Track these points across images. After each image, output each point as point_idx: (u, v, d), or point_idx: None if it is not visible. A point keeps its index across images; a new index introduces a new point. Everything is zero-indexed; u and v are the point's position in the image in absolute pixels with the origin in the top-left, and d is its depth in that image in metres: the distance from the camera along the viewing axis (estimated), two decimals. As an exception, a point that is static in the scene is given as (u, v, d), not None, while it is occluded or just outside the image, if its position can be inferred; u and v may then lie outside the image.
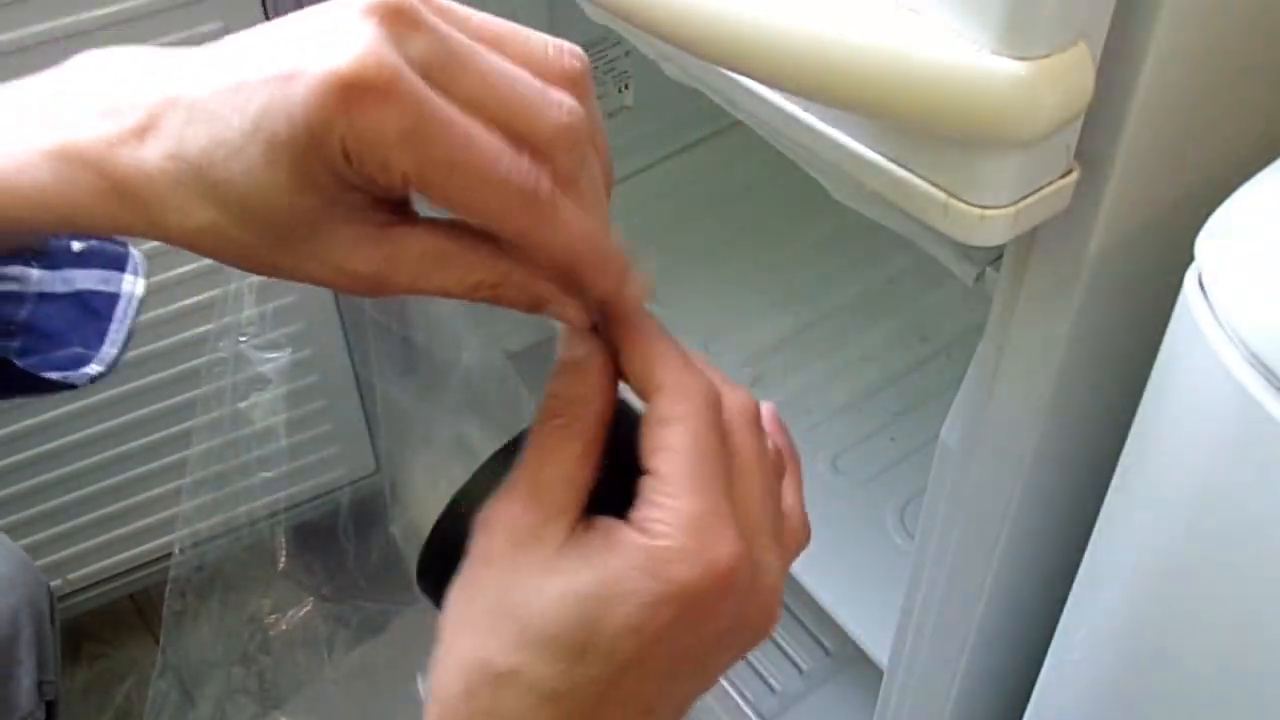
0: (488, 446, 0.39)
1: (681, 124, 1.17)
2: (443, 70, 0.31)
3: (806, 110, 0.44)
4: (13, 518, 1.07)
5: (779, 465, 0.39)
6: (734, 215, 1.12)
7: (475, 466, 0.42)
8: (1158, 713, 0.49)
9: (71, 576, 1.14)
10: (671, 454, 0.34)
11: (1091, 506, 0.49)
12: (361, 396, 1.21)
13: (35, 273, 0.45)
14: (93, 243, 0.47)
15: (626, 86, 1.13)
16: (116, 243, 0.48)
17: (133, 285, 0.49)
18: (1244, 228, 0.40)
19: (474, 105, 0.31)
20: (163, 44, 0.44)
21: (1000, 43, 0.36)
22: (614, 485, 0.36)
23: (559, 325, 0.38)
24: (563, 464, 0.35)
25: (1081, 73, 0.37)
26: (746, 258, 1.09)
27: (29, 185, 0.32)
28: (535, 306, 0.37)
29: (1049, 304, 0.47)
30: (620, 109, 1.14)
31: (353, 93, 0.29)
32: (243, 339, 1.00)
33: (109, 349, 0.47)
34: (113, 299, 0.48)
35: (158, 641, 1.12)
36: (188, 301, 1.03)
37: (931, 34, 0.37)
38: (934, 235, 0.44)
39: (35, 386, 0.45)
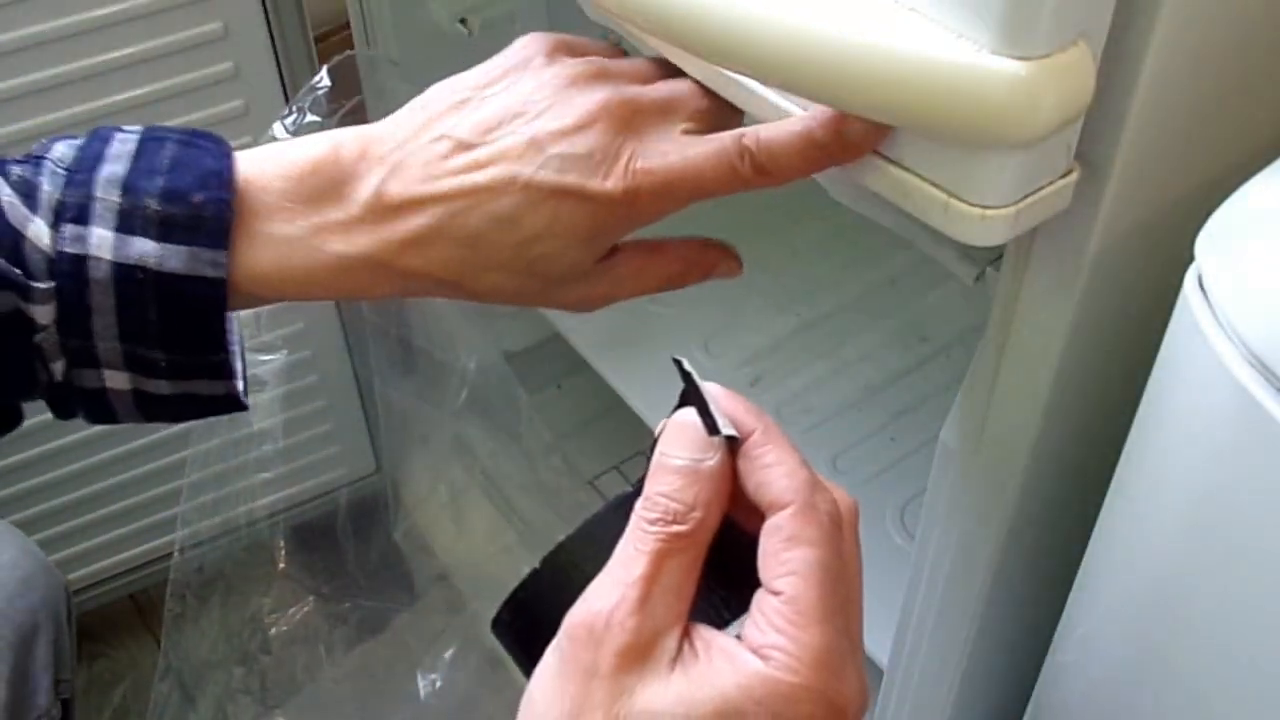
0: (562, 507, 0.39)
1: (681, 124, 1.17)
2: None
3: (806, 110, 0.44)
4: (13, 518, 1.07)
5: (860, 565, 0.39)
6: (734, 215, 1.12)
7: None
8: (1157, 713, 0.49)
9: (72, 576, 1.14)
10: (800, 580, 0.34)
11: (1091, 506, 0.49)
12: (362, 397, 1.21)
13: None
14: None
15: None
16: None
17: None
18: (1244, 228, 0.40)
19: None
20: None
21: (1000, 43, 0.36)
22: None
23: (685, 424, 0.36)
24: (676, 573, 0.34)
25: (1081, 73, 0.37)
26: (746, 258, 1.09)
27: (345, 285, 0.43)
28: (709, 274, 0.51)
29: (1049, 304, 0.47)
30: (620, 109, 1.14)
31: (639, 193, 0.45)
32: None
33: (244, 374, 0.49)
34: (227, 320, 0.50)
35: (158, 642, 1.12)
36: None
37: (931, 34, 0.37)
38: (934, 235, 0.44)
39: (221, 411, 0.47)
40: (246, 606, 1.14)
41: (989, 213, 0.40)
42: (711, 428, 0.36)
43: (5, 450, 1.05)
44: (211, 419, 1.01)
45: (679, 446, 0.36)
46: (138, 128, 0.44)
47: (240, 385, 0.47)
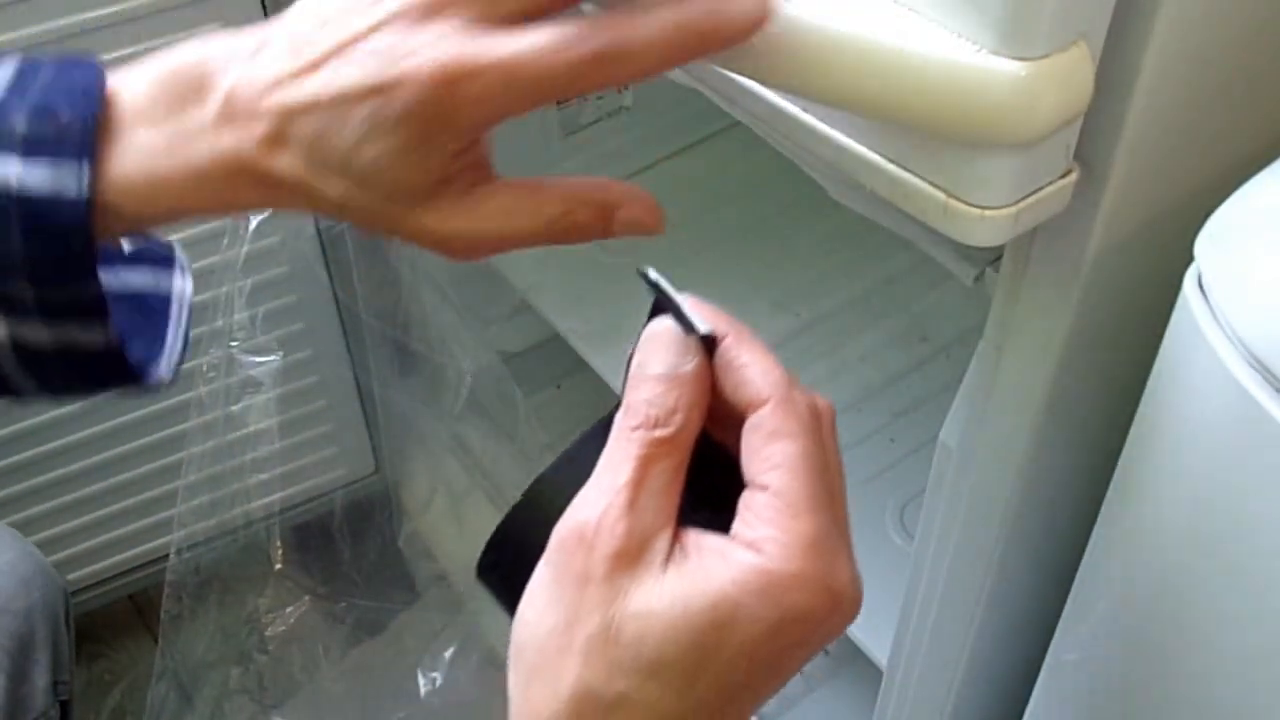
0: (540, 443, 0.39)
1: (681, 124, 1.17)
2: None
3: (806, 110, 0.44)
4: (12, 519, 1.07)
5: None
6: (734, 215, 1.12)
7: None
8: (1157, 713, 0.49)
9: (70, 577, 1.14)
10: (785, 472, 0.34)
11: (1091, 506, 0.49)
12: (361, 398, 1.21)
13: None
14: (141, 244, 0.48)
15: (626, 86, 1.12)
16: (161, 242, 0.49)
17: (182, 284, 0.49)
18: (1244, 229, 0.40)
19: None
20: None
21: (1000, 43, 0.36)
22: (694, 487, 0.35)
23: (659, 332, 0.37)
24: (662, 477, 0.34)
25: (1081, 73, 0.37)
26: (746, 258, 1.09)
27: (210, 195, 0.40)
28: (608, 220, 0.41)
29: (1049, 304, 0.47)
30: (620, 109, 1.14)
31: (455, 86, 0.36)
32: (233, 343, 1.00)
33: (171, 355, 0.47)
34: (165, 300, 0.48)
35: (156, 642, 1.12)
36: (187, 302, 1.03)
37: (931, 34, 0.37)
38: (934, 235, 0.44)
39: (114, 379, 0.44)
40: (243, 607, 1.14)
41: (989, 213, 0.40)
42: (688, 328, 0.37)
43: (4, 451, 1.05)
44: (206, 421, 1.01)
45: (656, 354, 0.36)
46: (16, 55, 0.42)
47: (129, 348, 0.43)
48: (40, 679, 0.76)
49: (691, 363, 0.36)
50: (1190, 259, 0.40)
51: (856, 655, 0.88)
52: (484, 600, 1.27)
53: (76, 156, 0.40)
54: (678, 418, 0.35)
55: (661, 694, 0.32)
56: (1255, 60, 0.45)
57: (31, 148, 0.40)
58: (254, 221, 0.97)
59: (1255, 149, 0.45)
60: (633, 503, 0.34)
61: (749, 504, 0.34)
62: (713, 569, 0.33)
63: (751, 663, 0.33)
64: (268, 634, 1.16)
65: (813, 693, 1.05)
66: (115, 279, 0.46)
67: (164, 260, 0.49)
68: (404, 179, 0.39)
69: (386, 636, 1.20)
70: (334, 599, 1.20)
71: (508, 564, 0.37)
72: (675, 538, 0.34)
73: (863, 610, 0.38)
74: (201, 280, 1.00)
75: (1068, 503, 0.56)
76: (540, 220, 0.40)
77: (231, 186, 0.40)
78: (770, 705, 1.04)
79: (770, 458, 0.34)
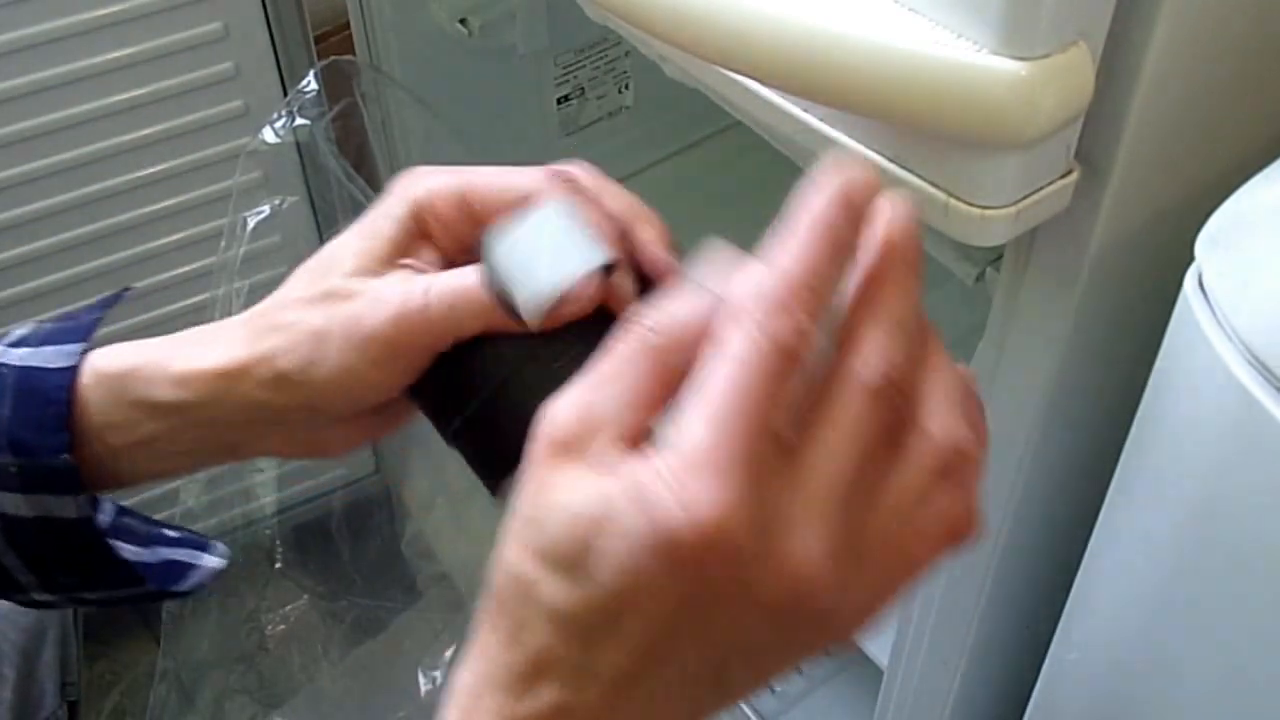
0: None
1: (681, 124, 1.17)
2: None
3: (806, 110, 0.44)
4: None
5: (947, 459, 0.33)
6: (734, 215, 1.12)
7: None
8: (1158, 713, 0.49)
9: (71, 577, 1.14)
10: (703, 391, 0.30)
11: (1091, 506, 0.49)
12: (362, 397, 1.21)
13: (130, 548, 0.50)
14: (185, 533, 0.51)
15: (626, 86, 1.13)
16: (202, 537, 0.53)
17: (214, 561, 0.52)
18: (1244, 228, 0.40)
19: None
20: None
21: (1000, 43, 0.36)
22: None
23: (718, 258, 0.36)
24: (631, 377, 0.32)
25: (1081, 73, 0.37)
26: (746, 258, 1.09)
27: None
28: None
29: (1049, 304, 0.47)
30: (620, 109, 1.14)
31: None
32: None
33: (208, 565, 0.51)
34: (190, 567, 0.51)
35: (157, 642, 1.12)
36: (186, 303, 1.03)
37: (931, 34, 0.37)
38: (934, 235, 0.44)
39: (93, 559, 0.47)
40: (244, 606, 1.14)
41: (989, 213, 0.40)
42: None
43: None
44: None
45: (707, 272, 0.35)
46: None
47: (108, 521, 0.48)
48: (49, 680, 0.76)
49: (704, 291, 0.34)
50: (1190, 259, 0.40)
51: (857, 655, 0.88)
52: (485, 600, 1.26)
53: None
54: (666, 324, 0.33)
55: (552, 582, 0.31)
56: (1255, 60, 0.45)
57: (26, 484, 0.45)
58: (253, 222, 0.97)
59: (1255, 149, 0.45)
60: (588, 396, 0.32)
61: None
62: (629, 466, 0.31)
63: (631, 581, 0.30)
64: (268, 633, 1.16)
65: (813, 693, 1.05)
66: (151, 554, 0.50)
67: (201, 545, 0.52)
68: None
69: (386, 636, 1.20)
70: (334, 598, 1.20)
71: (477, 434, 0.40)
72: (631, 437, 0.32)
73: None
74: (202, 280, 1.00)
75: (1068, 503, 0.56)
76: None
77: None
78: (770, 705, 1.04)
79: (707, 369, 0.31)
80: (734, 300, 0.32)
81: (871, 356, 0.32)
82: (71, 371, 0.44)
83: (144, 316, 1.06)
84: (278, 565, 1.14)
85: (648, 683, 0.32)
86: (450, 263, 0.43)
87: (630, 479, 0.30)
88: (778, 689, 1.04)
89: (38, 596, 0.47)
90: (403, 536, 1.22)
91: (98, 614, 1.21)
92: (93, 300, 0.49)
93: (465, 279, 0.40)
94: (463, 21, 0.94)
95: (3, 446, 0.43)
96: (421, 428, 0.45)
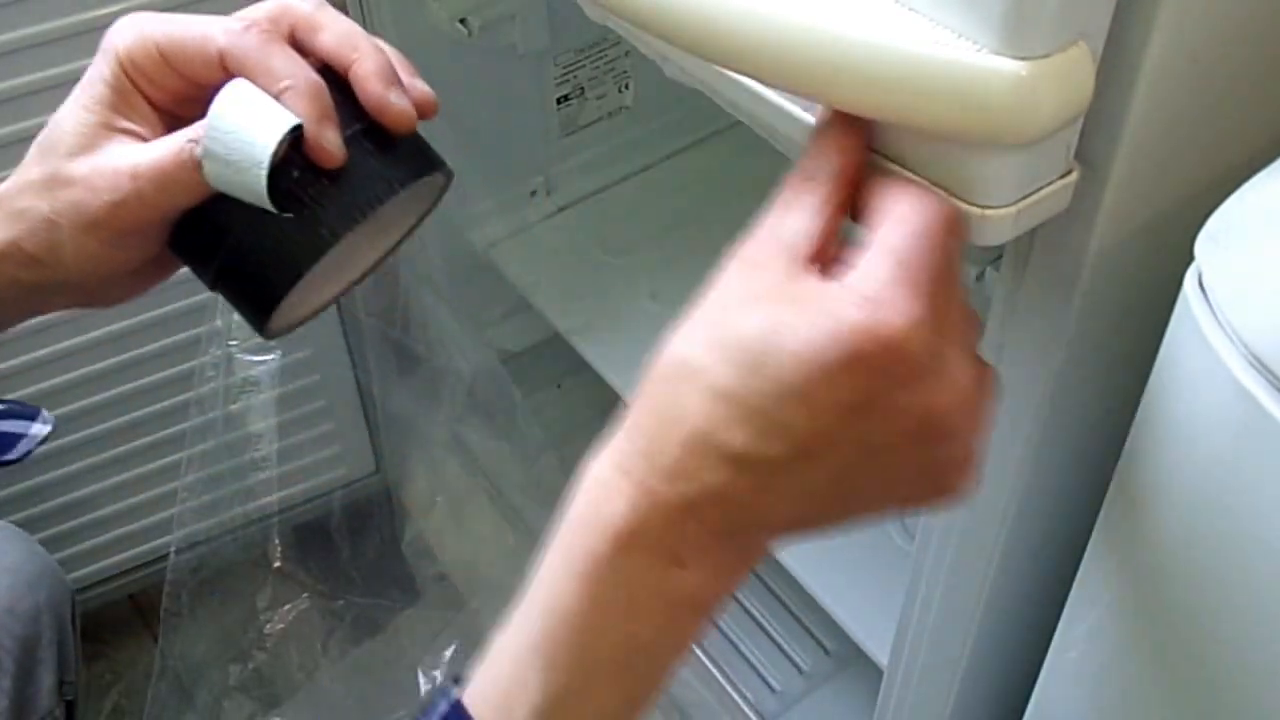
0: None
1: (681, 124, 1.17)
2: None
3: (806, 110, 0.44)
4: (13, 518, 1.07)
5: (977, 321, 0.40)
6: (734, 215, 1.12)
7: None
8: (1158, 712, 0.49)
9: (71, 576, 1.14)
10: (895, 222, 0.36)
11: (1092, 506, 0.49)
12: (361, 398, 1.21)
13: None
14: (11, 404, 0.53)
15: (626, 86, 1.13)
16: (29, 407, 0.54)
17: (40, 428, 0.53)
18: (1244, 228, 0.40)
19: None
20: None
21: (1000, 43, 0.36)
22: None
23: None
24: (801, 211, 0.38)
25: (1081, 73, 0.37)
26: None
27: None
28: None
29: (1049, 304, 0.47)
30: (620, 109, 1.14)
31: None
32: (232, 343, 1.00)
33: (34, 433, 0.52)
34: (19, 436, 0.53)
35: (156, 641, 1.12)
36: (183, 303, 1.03)
37: (931, 34, 0.37)
38: (934, 235, 0.44)
39: None
40: (242, 606, 1.14)
41: (989, 213, 0.40)
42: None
43: (5, 450, 1.05)
44: (206, 421, 1.01)
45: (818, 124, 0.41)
46: None
47: None
48: (46, 679, 0.76)
49: (840, 124, 0.40)
50: (1190, 259, 0.40)
51: (857, 655, 0.88)
52: (484, 601, 1.26)
53: None
54: (821, 164, 0.39)
55: (725, 369, 0.35)
56: (1255, 60, 0.45)
57: None
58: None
59: (1255, 149, 0.45)
60: (770, 228, 0.38)
61: (861, 251, 0.37)
62: (812, 289, 0.36)
63: (808, 372, 0.34)
64: (267, 632, 1.16)
65: (813, 693, 1.05)
66: None
67: (29, 415, 0.54)
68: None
69: (386, 636, 1.20)
70: (333, 598, 1.20)
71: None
72: (805, 266, 0.37)
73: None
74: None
75: (1068, 502, 0.56)
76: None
77: None
78: (771, 705, 1.04)
79: (888, 213, 0.37)
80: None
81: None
82: None
83: (145, 315, 1.06)
84: (277, 564, 1.14)
85: (796, 477, 0.36)
86: (166, 115, 0.45)
87: (820, 293, 0.35)
88: (778, 689, 1.05)
89: None
90: (403, 537, 1.22)
91: (97, 613, 1.21)
92: None
93: (166, 154, 0.42)
94: (463, 21, 0.94)
95: None
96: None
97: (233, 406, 1.03)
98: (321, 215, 0.42)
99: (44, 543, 1.06)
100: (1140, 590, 0.47)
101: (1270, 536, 0.39)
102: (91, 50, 0.40)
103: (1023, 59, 0.36)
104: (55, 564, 0.82)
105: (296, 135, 0.41)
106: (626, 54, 1.09)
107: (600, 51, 1.08)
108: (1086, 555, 0.50)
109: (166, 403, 1.09)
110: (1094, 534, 0.50)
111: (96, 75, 0.44)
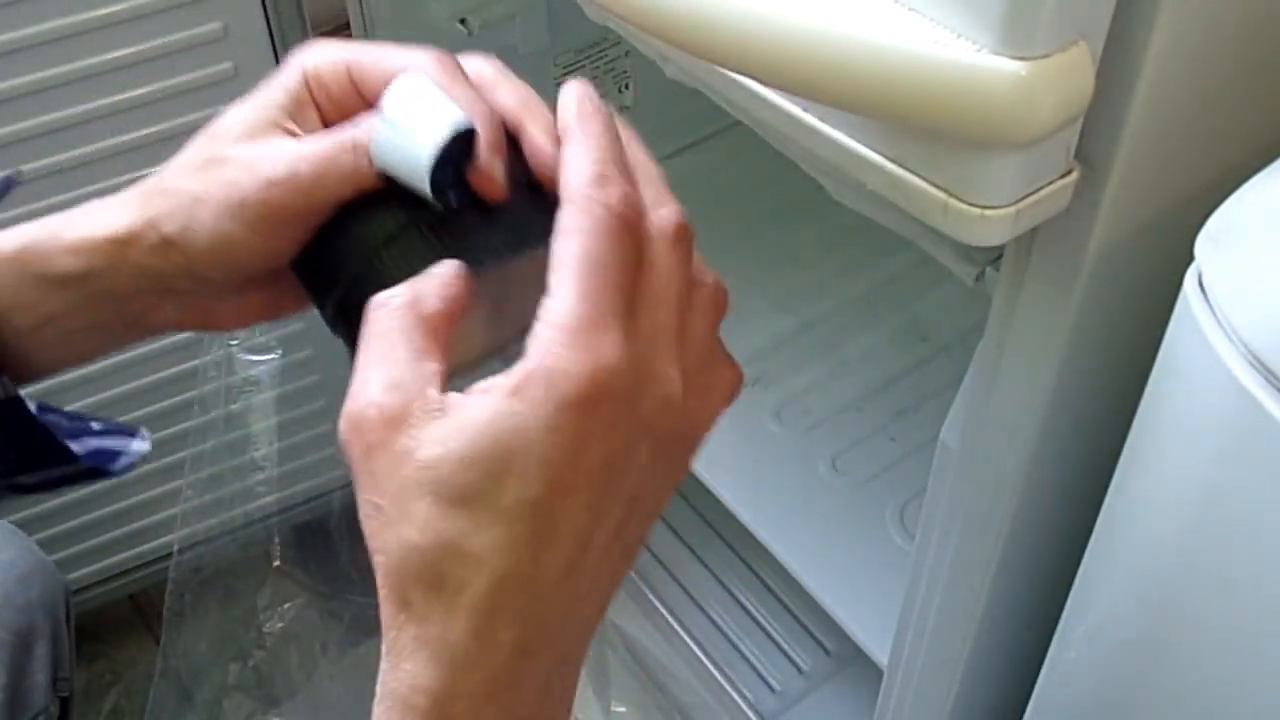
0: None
1: (681, 124, 1.17)
2: None
3: (806, 110, 0.44)
4: (13, 518, 1.07)
5: (715, 293, 0.38)
6: (734, 215, 1.12)
7: None
8: (1158, 712, 0.49)
9: (71, 576, 1.14)
10: (562, 268, 0.34)
11: (1091, 506, 0.49)
12: (361, 397, 1.21)
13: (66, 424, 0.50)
14: (109, 422, 0.51)
15: (626, 86, 1.13)
16: (127, 425, 0.53)
17: (140, 444, 0.52)
18: (1244, 228, 0.40)
19: None
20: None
21: (1000, 43, 0.36)
22: None
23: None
24: (399, 346, 0.36)
25: (1081, 73, 0.37)
26: (746, 258, 1.09)
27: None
28: None
29: (1049, 304, 0.47)
30: (620, 109, 1.14)
31: None
32: (233, 343, 1.00)
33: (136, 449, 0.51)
34: (118, 453, 0.51)
35: (157, 641, 1.12)
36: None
37: (931, 34, 0.37)
38: (934, 235, 0.44)
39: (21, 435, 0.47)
40: (242, 604, 1.14)
41: (989, 213, 0.40)
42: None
43: (5, 450, 1.05)
44: (207, 421, 1.01)
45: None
46: None
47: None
48: (40, 675, 0.76)
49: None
50: (1190, 259, 0.40)
51: (856, 655, 0.88)
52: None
53: None
54: (398, 294, 0.36)
55: (478, 522, 0.33)
56: (1255, 60, 0.45)
57: None
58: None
59: (1255, 149, 0.45)
60: (373, 380, 0.35)
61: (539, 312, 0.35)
62: (485, 396, 0.34)
63: (560, 456, 0.33)
64: (266, 631, 1.16)
65: (813, 693, 1.05)
66: (80, 445, 0.49)
67: (128, 432, 0.52)
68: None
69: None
70: (333, 597, 1.20)
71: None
72: (442, 392, 0.35)
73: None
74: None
75: (1068, 502, 0.56)
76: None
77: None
78: (771, 705, 1.04)
79: (555, 257, 0.35)
80: (569, 187, 0.36)
81: (664, 219, 0.37)
82: None
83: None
84: (277, 564, 1.14)
85: (585, 565, 0.34)
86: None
87: (512, 382, 0.33)
88: (778, 689, 1.05)
89: None
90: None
91: (97, 613, 1.21)
92: None
93: (333, 143, 0.41)
94: (463, 21, 0.94)
95: None
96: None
97: (233, 406, 1.03)
98: (465, 245, 0.39)
99: (44, 542, 1.06)
100: (1140, 590, 0.47)
101: (1270, 536, 0.39)
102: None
103: (1022, 59, 0.36)
104: (49, 561, 0.82)
105: (462, 152, 0.40)
106: (626, 54, 1.09)
107: (600, 51, 1.08)
108: (1087, 554, 0.50)
109: (167, 402, 1.09)
110: (1094, 534, 0.50)
111: (276, 84, 0.44)
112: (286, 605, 1.16)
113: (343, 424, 0.35)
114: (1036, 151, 0.39)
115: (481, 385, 0.34)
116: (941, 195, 0.40)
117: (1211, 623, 0.44)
